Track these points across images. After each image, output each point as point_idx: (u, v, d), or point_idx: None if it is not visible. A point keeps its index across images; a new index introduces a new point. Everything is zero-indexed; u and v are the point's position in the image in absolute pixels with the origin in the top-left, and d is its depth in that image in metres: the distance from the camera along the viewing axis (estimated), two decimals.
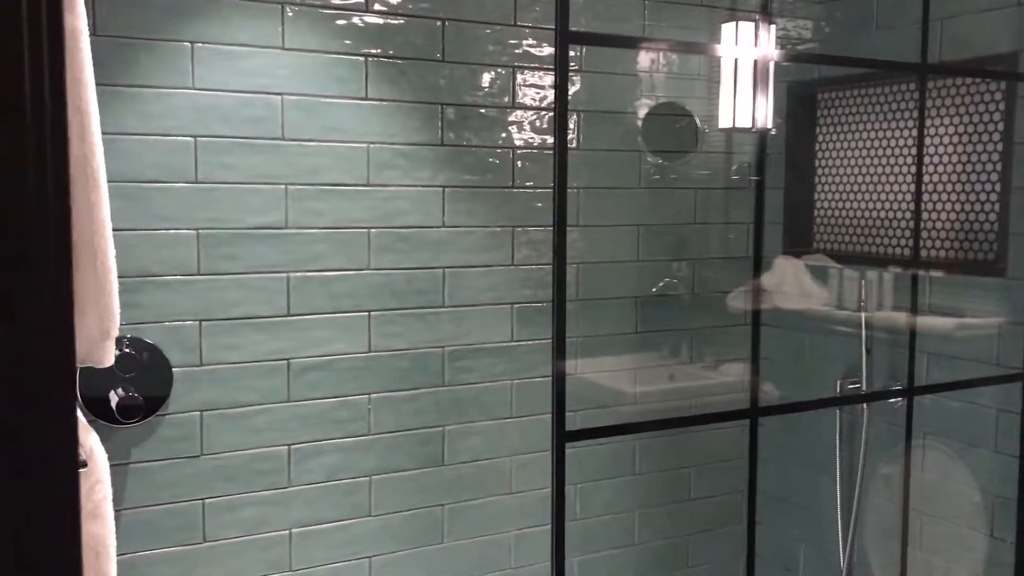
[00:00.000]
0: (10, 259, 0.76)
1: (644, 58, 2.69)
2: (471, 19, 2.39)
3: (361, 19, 2.25)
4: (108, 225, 1.50)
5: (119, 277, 2.05)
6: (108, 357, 1.52)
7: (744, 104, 2.84)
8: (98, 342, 1.50)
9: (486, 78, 2.42)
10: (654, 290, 2.73)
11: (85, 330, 1.49)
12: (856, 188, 2.65)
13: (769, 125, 2.99)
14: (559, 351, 1.77)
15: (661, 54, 2.74)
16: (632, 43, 2.39)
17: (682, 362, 2.86)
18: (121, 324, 2.05)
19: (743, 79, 2.80)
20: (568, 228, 2.57)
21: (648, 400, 2.79)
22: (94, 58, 2.00)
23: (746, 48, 2.78)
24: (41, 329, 0.80)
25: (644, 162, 2.68)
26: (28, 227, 0.78)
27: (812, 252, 2.90)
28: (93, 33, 1.97)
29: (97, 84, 2.01)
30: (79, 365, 1.55)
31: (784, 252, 2.92)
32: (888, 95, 2.54)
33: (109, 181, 2.03)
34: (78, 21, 1.42)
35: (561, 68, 1.46)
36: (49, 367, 0.81)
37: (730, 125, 2.75)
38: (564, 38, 1.44)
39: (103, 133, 2.02)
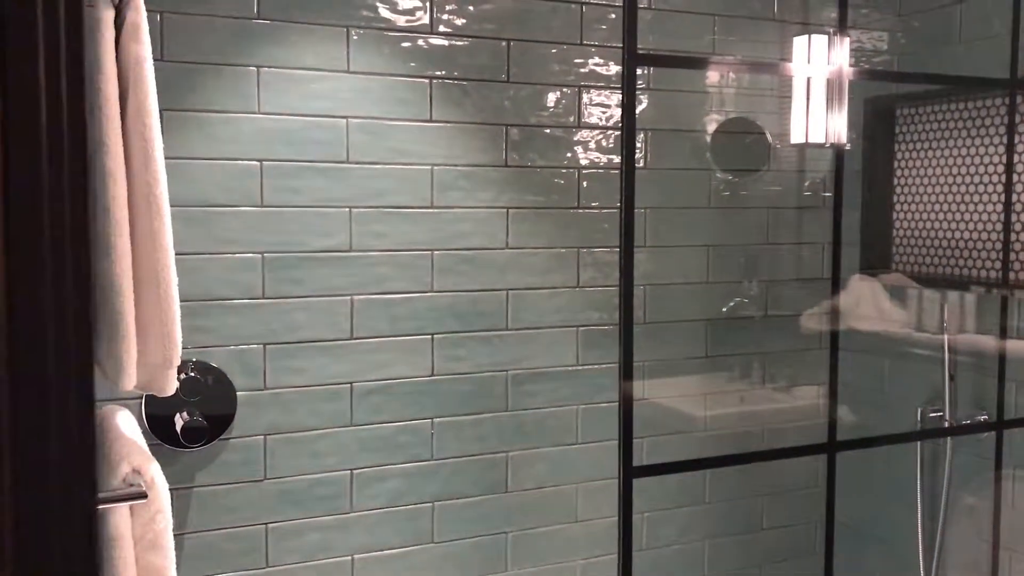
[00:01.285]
0: (26, 275, 0.75)
1: (713, 73, 2.62)
2: (537, 39, 2.35)
3: (426, 41, 2.23)
4: (171, 253, 1.49)
5: (185, 301, 2.06)
6: (170, 386, 1.52)
7: (818, 119, 2.75)
8: (160, 370, 1.49)
9: (551, 98, 2.38)
10: (724, 311, 2.65)
11: (147, 357, 1.49)
12: (938, 207, 2.54)
13: (844, 141, 2.89)
14: (626, 375, 1.71)
15: (731, 69, 2.67)
16: (700, 64, 2.32)
17: (754, 386, 2.77)
18: (187, 347, 2.06)
19: (816, 94, 2.71)
20: (635, 249, 2.52)
21: (719, 425, 2.70)
22: (162, 83, 2.02)
23: (820, 63, 2.69)
24: (60, 348, 0.79)
25: (713, 180, 2.61)
26: (44, 243, 0.77)
27: (890, 272, 2.79)
28: (160, 59, 1.99)
29: (165, 109, 2.04)
30: (142, 392, 1.55)
31: (860, 272, 2.81)
32: (973, 111, 2.43)
33: (176, 205, 2.05)
34: (142, 49, 1.43)
35: (628, 89, 1.41)
36: (67, 385, 0.79)
37: (803, 141, 2.66)
38: (631, 59, 1.39)
39: (170, 158, 2.04)
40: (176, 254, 2.05)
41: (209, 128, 2.06)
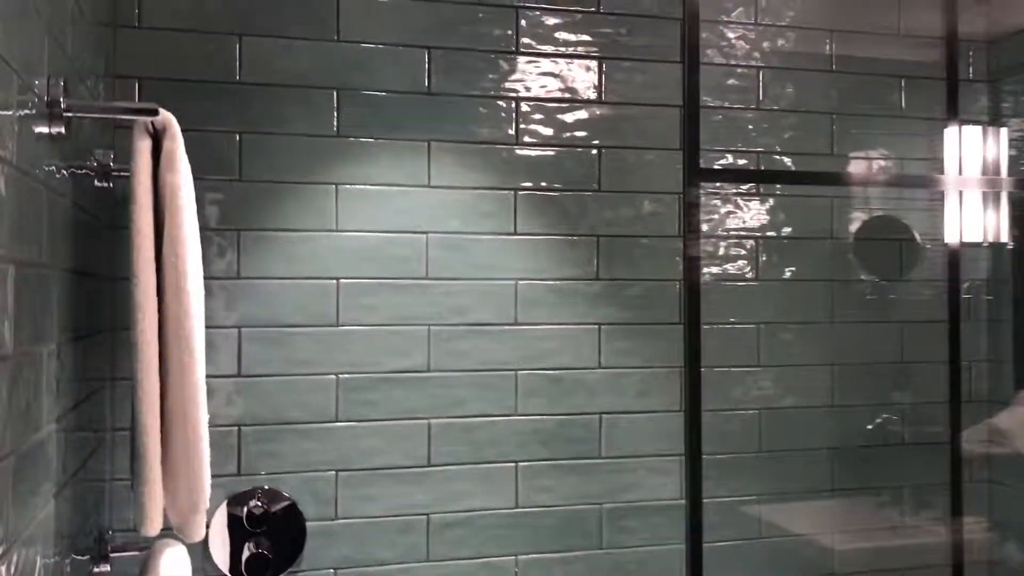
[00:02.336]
0: None
1: (857, 164, 2.38)
2: (631, 145, 2.21)
3: (511, 152, 2.13)
4: (201, 390, 1.41)
5: (256, 424, 2.00)
6: (198, 532, 1.42)
7: (973, 217, 2.47)
8: (187, 515, 1.40)
9: (647, 207, 2.22)
10: (855, 437, 2.35)
11: (176, 500, 1.40)
12: None
13: (1004, 239, 2.57)
14: (693, 513, 1.48)
15: (872, 163, 2.43)
16: (771, 178, 2.03)
17: (893, 520, 2.43)
18: (257, 474, 1.98)
19: (970, 192, 2.44)
20: (750, 368, 2.29)
21: (851, 564, 2.37)
22: (239, 204, 2.02)
23: (973, 158, 2.42)
24: None
25: (839, 289, 2.34)
26: None
27: None
28: (239, 179, 1.97)
29: (242, 229, 2.01)
30: (176, 535, 1.46)
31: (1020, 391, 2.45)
32: None
33: (249, 326, 2.01)
34: (178, 178, 1.38)
35: (688, 210, 1.24)
36: None
37: (957, 241, 2.39)
38: (692, 176, 1.23)
39: (246, 278, 2.01)
40: (248, 376, 2.01)
41: (286, 247, 2.01)
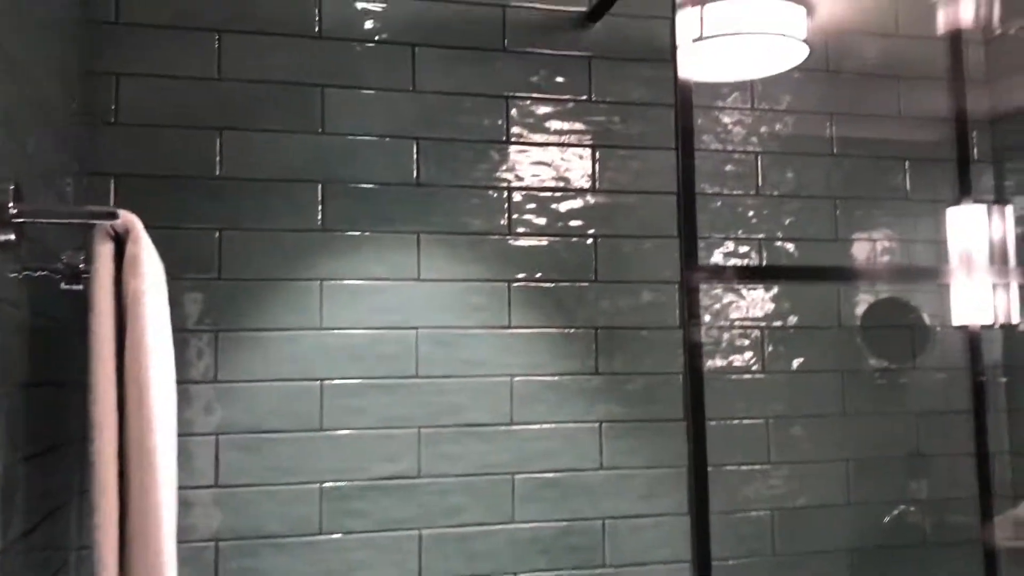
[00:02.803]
0: None
1: (861, 248, 2.30)
2: (628, 234, 2.13)
3: (504, 243, 2.05)
4: (166, 510, 1.29)
5: (233, 539, 1.86)
6: None
7: (982, 297, 2.37)
8: None
9: (646, 296, 2.12)
10: (877, 535, 2.21)
11: None
12: None
13: (1016, 320, 2.47)
14: None
15: (876, 242, 2.34)
16: (771, 274, 1.92)
17: None
18: None
19: (978, 268, 2.35)
20: (759, 464, 2.16)
21: None
22: (218, 303, 1.93)
23: (979, 236, 2.33)
24: None
25: (851, 380, 2.23)
26: None
27: None
28: (217, 278, 1.89)
29: (221, 330, 1.92)
30: None
31: None
32: None
33: (230, 433, 1.89)
34: (141, 283, 1.29)
35: (688, 307, 1.15)
36: None
37: (972, 324, 2.29)
38: (689, 274, 1.14)
39: (223, 382, 1.90)
40: (226, 486, 1.88)
41: (267, 347, 1.91)
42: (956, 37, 2.30)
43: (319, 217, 1.96)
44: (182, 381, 1.83)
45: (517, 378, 2.03)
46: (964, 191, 2.30)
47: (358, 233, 1.98)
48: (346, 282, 1.96)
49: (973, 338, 2.30)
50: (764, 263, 2.20)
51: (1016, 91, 2.32)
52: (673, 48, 1.24)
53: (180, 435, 1.78)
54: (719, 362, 2.16)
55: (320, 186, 1.97)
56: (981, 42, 2.41)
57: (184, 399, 1.83)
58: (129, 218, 1.29)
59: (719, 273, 1.68)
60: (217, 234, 1.91)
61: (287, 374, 1.92)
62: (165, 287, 1.54)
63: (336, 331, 1.95)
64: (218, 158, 1.92)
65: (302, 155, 1.96)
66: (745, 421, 2.15)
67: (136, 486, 1.26)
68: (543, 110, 2.11)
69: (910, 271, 2.25)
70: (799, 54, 2.13)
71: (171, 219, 1.88)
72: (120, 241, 1.31)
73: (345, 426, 1.93)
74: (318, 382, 1.93)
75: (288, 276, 1.93)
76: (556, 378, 2.05)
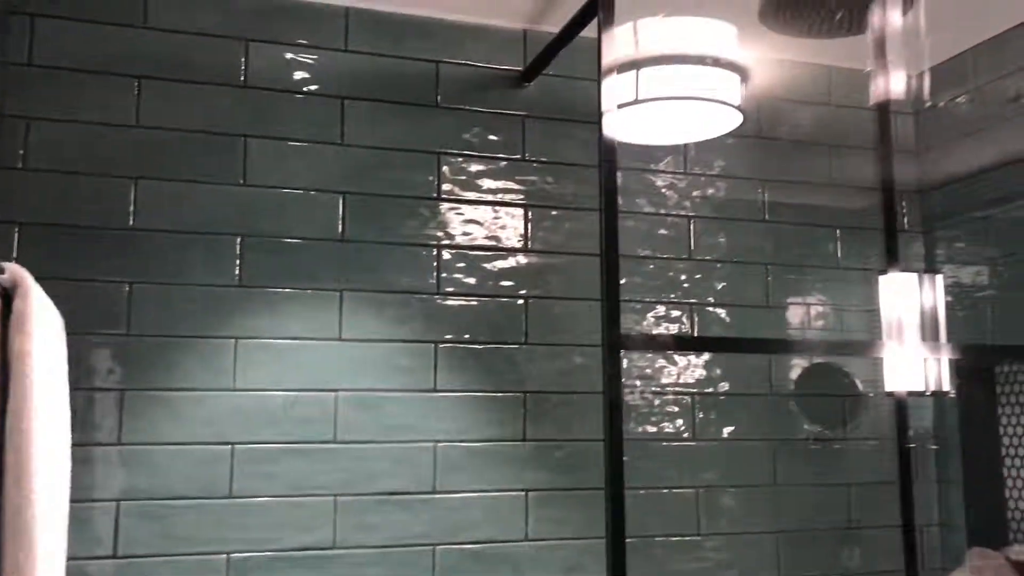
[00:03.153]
0: None
1: (793, 314, 2.28)
2: (559, 295, 2.08)
3: (431, 302, 1.99)
4: None
5: None
6: None
7: (913, 364, 2.36)
8: None
9: (578, 360, 2.07)
10: None
11: None
12: None
13: (946, 388, 2.47)
14: None
15: (809, 308, 2.33)
16: (695, 345, 1.85)
17: None
18: None
19: (909, 335, 2.34)
20: (687, 535, 2.11)
21: None
22: (127, 361, 1.82)
23: (910, 303, 2.33)
24: None
25: (783, 448, 2.20)
26: None
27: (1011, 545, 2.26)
28: (126, 333, 1.79)
29: (127, 389, 1.81)
30: None
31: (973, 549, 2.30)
32: None
33: (132, 499, 1.77)
34: (28, 343, 1.19)
35: (611, 382, 1.09)
36: None
37: (898, 389, 2.27)
38: (614, 343, 1.09)
39: (129, 444, 1.79)
40: (125, 557, 1.76)
41: (176, 408, 1.81)
42: (884, 108, 2.33)
43: (237, 272, 1.88)
44: (84, 443, 1.72)
45: (441, 444, 1.95)
46: (893, 259, 2.31)
47: (278, 289, 1.90)
48: (263, 341, 1.87)
49: (901, 406, 2.29)
50: (696, 328, 2.17)
51: (944, 162, 2.35)
52: (599, 114, 1.21)
53: (78, 501, 1.66)
54: (650, 428, 2.11)
55: (239, 239, 1.89)
56: (911, 113, 2.44)
57: (85, 463, 1.71)
58: (16, 272, 1.20)
59: (640, 343, 1.63)
60: (127, 288, 1.81)
61: (196, 437, 1.81)
62: (62, 344, 1.44)
63: (250, 392, 1.85)
64: (132, 208, 1.84)
65: (222, 207, 1.88)
66: (675, 490, 2.10)
67: (10, 565, 1.15)
68: (476, 168, 2.08)
69: (838, 345, 2.24)
70: (733, 120, 2.13)
71: (79, 271, 1.78)
72: (7, 296, 1.22)
73: (257, 493, 1.82)
74: (229, 446, 1.83)
75: (201, 333, 1.84)
76: (482, 444, 1.98)
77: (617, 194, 1.18)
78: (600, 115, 1.21)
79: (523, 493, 1.98)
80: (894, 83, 2.47)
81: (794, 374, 2.27)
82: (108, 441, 1.77)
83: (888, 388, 2.29)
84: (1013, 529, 2.17)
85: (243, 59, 1.94)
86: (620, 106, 1.97)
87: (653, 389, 2.12)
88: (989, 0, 2.03)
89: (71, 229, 1.80)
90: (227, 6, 1.94)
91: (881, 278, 2.30)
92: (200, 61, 1.91)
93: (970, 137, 2.27)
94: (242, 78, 1.94)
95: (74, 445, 1.49)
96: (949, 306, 2.41)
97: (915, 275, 2.38)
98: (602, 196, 1.18)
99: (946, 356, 2.17)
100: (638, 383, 2.11)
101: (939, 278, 2.41)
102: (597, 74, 1.20)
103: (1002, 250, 2.22)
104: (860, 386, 2.34)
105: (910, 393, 2.33)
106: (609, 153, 1.18)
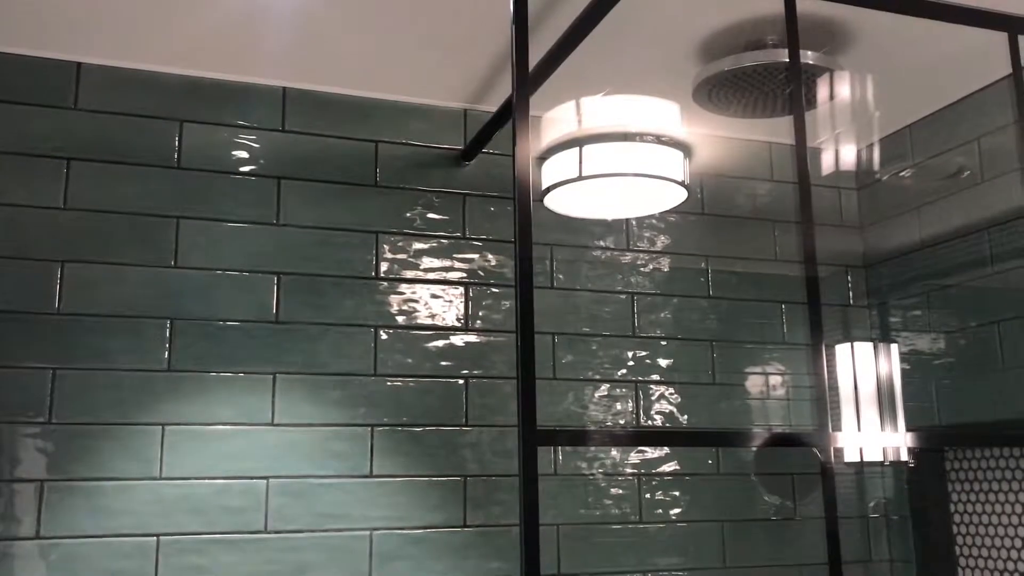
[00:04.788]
0: None
1: (753, 384, 2.24)
2: (500, 375, 2.05)
3: (368, 385, 1.94)
4: None
5: None
6: None
7: (870, 436, 2.33)
8: None
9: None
10: None
11: None
12: (1013, 565, 2.01)
13: (904, 457, 2.43)
14: None
15: (768, 378, 2.30)
16: (614, 439, 1.76)
17: None
18: None
19: (866, 406, 2.31)
20: None
21: None
22: (47, 450, 1.73)
23: (865, 373, 2.30)
24: None
25: (733, 530, 2.14)
26: None
27: None
28: (48, 421, 1.73)
29: (47, 480, 1.74)
30: None
31: None
32: None
33: None
34: None
35: (526, 480, 1.05)
36: None
37: (857, 459, 2.23)
38: (531, 440, 1.05)
39: (48, 538, 1.71)
40: None
41: (97, 499, 1.74)
42: (805, 180, 2.34)
43: (166, 356, 1.83)
44: (2, 538, 1.64)
45: (378, 532, 1.88)
46: (844, 333, 2.29)
47: (208, 374, 1.85)
48: (191, 427, 1.82)
49: (858, 478, 2.25)
50: (640, 406, 2.14)
51: (887, 236, 2.36)
52: (514, 202, 1.19)
53: None
54: (597, 512, 2.05)
55: (169, 323, 1.84)
56: (855, 188, 2.46)
57: (3, 558, 1.64)
58: None
59: (565, 439, 1.57)
60: (51, 373, 1.76)
61: (120, 529, 1.74)
62: None
63: (177, 481, 1.79)
64: (57, 292, 1.79)
65: (151, 290, 1.84)
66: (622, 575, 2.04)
67: None
68: (416, 246, 2.05)
69: (783, 437, 2.20)
70: (677, 196, 2.13)
71: (1, 357, 1.73)
72: None
73: None
74: (154, 538, 1.76)
75: (126, 420, 1.78)
76: (421, 531, 1.91)
77: (532, 278, 1.15)
78: (515, 203, 1.19)
79: None
80: (833, 159, 2.49)
81: (744, 452, 2.23)
82: (26, 536, 1.69)
83: (848, 459, 2.26)
84: None
85: (176, 140, 1.92)
86: (563, 183, 1.97)
87: (600, 470, 2.07)
88: (924, 78, 2.06)
89: None
90: (161, 87, 1.93)
91: (838, 347, 2.28)
92: (132, 142, 1.89)
93: (911, 212, 2.28)
94: (176, 158, 1.92)
95: None
96: (905, 373, 2.39)
97: (870, 344, 2.37)
98: (518, 281, 1.15)
99: (902, 419, 2.15)
100: (583, 465, 2.06)
101: (894, 347, 2.39)
102: (512, 163, 1.19)
103: (955, 322, 2.21)
104: (820, 456, 2.30)
105: (866, 464, 2.29)
106: (525, 240, 1.16)
